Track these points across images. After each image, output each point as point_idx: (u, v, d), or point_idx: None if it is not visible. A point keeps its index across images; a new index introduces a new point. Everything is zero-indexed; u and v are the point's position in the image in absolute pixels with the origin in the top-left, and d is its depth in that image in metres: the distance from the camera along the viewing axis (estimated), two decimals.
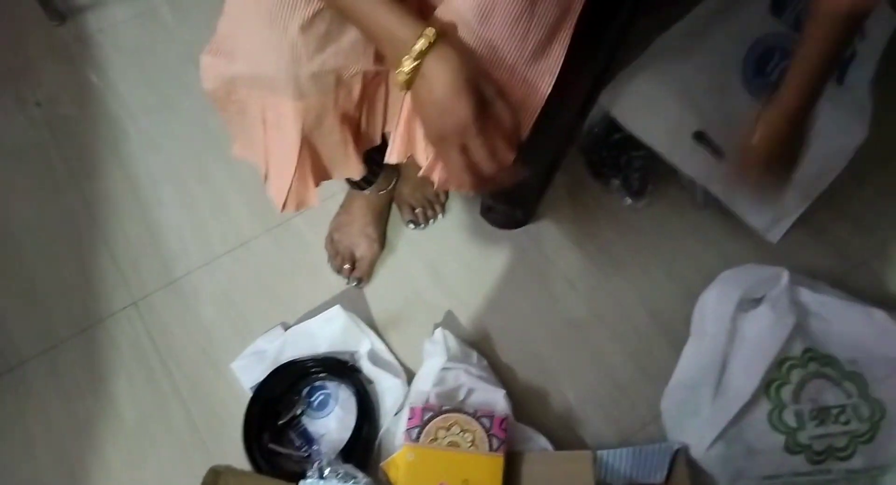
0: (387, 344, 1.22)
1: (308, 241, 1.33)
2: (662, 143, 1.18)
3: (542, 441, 1.09)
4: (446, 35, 0.70)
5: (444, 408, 1.06)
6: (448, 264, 1.30)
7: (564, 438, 1.14)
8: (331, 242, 1.31)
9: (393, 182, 1.31)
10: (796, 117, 0.92)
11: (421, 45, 0.68)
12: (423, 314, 1.25)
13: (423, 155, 0.86)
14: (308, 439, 1.13)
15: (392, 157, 0.88)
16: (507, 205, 1.30)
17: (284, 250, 1.32)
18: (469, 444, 1.03)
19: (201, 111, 1.44)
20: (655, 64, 1.16)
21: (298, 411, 1.15)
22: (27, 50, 1.55)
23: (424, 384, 1.11)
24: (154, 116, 1.47)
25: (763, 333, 1.05)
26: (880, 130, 1.21)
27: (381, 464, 1.07)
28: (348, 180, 1.23)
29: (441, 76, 0.68)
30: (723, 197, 1.21)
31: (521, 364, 1.21)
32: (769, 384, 1.03)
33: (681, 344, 1.15)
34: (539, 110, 0.82)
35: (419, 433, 1.04)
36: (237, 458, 1.10)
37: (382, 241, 1.31)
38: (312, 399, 1.16)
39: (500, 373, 1.19)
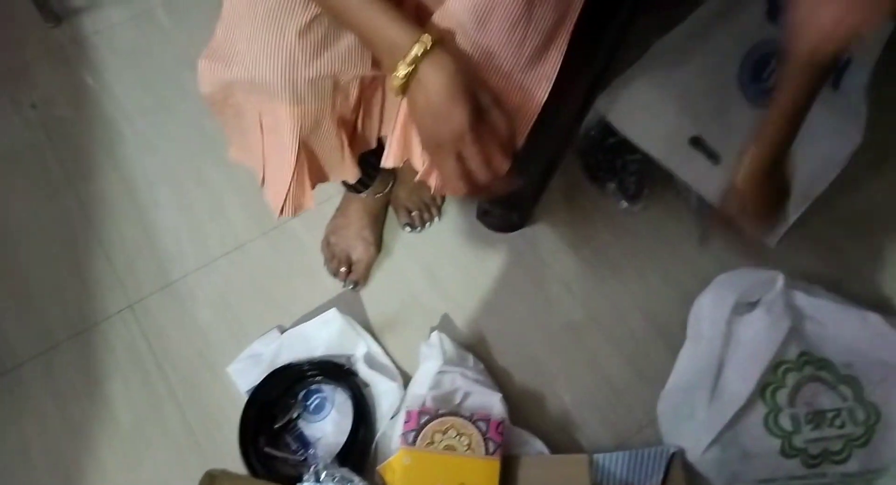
0: (383, 347, 1.21)
1: (304, 244, 1.33)
2: (659, 148, 1.18)
3: (539, 445, 1.10)
4: (443, 41, 0.70)
5: (440, 411, 1.06)
6: (444, 267, 1.30)
7: (561, 441, 1.14)
8: (327, 245, 1.31)
9: (389, 185, 1.31)
10: (771, 162, 0.91)
11: (417, 50, 0.68)
12: (419, 317, 1.25)
13: (420, 160, 0.86)
14: (304, 443, 1.13)
15: (389, 161, 0.88)
16: (504, 208, 1.30)
17: (281, 253, 1.32)
18: (465, 447, 1.03)
19: (197, 113, 1.44)
20: (652, 70, 1.16)
21: (294, 415, 1.15)
22: (23, 52, 1.54)
23: (421, 388, 1.11)
24: (150, 119, 1.46)
25: (758, 337, 1.06)
26: (875, 134, 1.22)
27: (378, 467, 1.07)
28: (345, 183, 1.23)
29: (437, 83, 0.68)
30: (717, 202, 1.21)
31: (517, 367, 1.21)
32: (765, 388, 1.04)
33: (677, 347, 1.15)
34: (535, 116, 0.83)
35: (415, 437, 1.04)
36: (233, 462, 1.10)
37: (379, 244, 1.31)
38: (308, 403, 1.16)
39: (496, 376, 1.19)
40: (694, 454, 1.04)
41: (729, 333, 1.07)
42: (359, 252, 1.28)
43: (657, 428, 1.14)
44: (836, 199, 1.25)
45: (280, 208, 0.94)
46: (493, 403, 1.10)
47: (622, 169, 1.33)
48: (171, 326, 1.26)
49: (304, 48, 0.79)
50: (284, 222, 1.33)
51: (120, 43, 1.55)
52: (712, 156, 1.17)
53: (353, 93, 0.86)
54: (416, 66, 0.68)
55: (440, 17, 0.75)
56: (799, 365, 1.05)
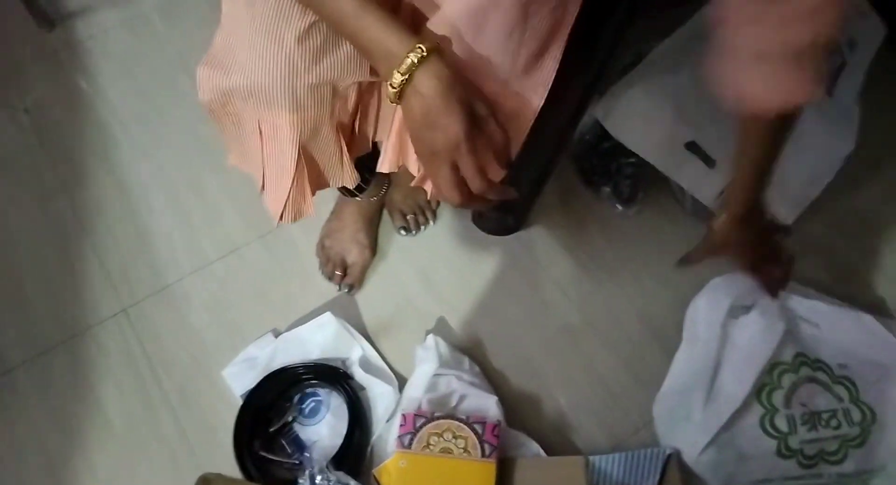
0: (378, 351, 1.21)
1: (299, 247, 1.32)
2: (655, 153, 1.19)
3: (535, 447, 1.09)
4: (438, 49, 0.69)
5: (436, 414, 1.06)
6: (439, 271, 1.30)
7: (557, 443, 1.14)
8: (322, 248, 1.30)
9: (384, 189, 1.31)
10: (746, 215, 0.94)
11: (412, 59, 0.67)
12: (414, 320, 1.25)
13: (416, 165, 0.86)
14: (299, 446, 1.13)
15: (384, 166, 0.88)
16: (499, 211, 1.30)
17: (276, 257, 1.32)
18: (461, 450, 1.03)
19: (192, 118, 1.44)
20: (649, 77, 1.17)
21: (290, 418, 1.14)
22: (16, 56, 1.54)
23: (416, 391, 1.11)
24: (144, 123, 1.46)
25: (754, 340, 1.06)
26: (868, 138, 1.23)
27: (373, 470, 1.07)
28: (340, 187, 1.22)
29: (432, 91, 0.67)
30: (712, 205, 1.21)
31: (513, 370, 1.21)
32: (761, 390, 1.04)
33: (672, 350, 1.15)
34: (532, 123, 0.83)
35: (411, 440, 1.04)
36: (228, 465, 1.09)
37: (374, 247, 1.31)
38: (304, 406, 1.16)
39: (492, 379, 1.19)
40: (690, 456, 1.04)
41: (724, 336, 1.07)
42: (354, 256, 1.28)
43: (653, 430, 1.14)
44: (830, 202, 1.26)
45: (280, 215, 0.94)
46: (488, 405, 1.10)
47: (617, 173, 1.34)
48: (166, 330, 1.25)
49: (304, 55, 0.79)
50: (279, 226, 1.33)
51: (114, 47, 1.55)
52: (708, 160, 1.18)
53: (352, 98, 0.86)
54: (411, 75, 0.68)
55: (435, 24, 0.75)
56: (794, 366, 1.05)
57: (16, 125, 1.45)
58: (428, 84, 0.68)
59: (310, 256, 1.31)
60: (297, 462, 1.10)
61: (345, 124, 0.90)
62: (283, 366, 1.16)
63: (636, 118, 1.17)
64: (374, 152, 0.96)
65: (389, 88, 0.70)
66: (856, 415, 1.03)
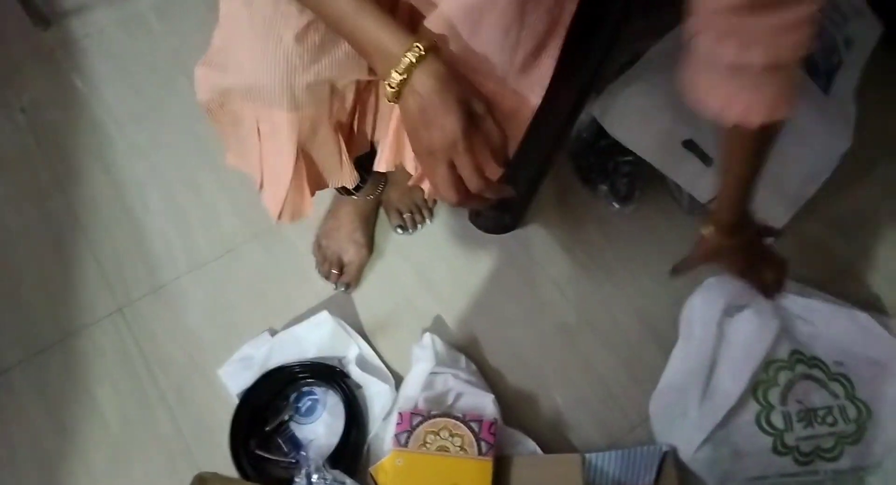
0: (375, 349, 1.21)
1: (296, 246, 1.32)
2: (653, 151, 1.19)
3: (531, 445, 1.09)
4: (436, 48, 0.69)
5: (432, 413, 1.06)
6: (436, 269, 1.30)
7: (553, 441, 1.14)
8: (318, 247, 1.30)
9: (380, 187, 1.31)
10: (733, 225, 0.96)
11: (409, 58, 0.67)
12: (411, 319, 1.25)
13: (413, 164, 0.86)
14: (296, 445, 1.13)
15: (381, 165, 0.88)
16: (496, 210, 1.30)
17: (272, 256, 1.32)
18: (458, 448, 1.03)
19: (188, 117, 1.43)
20: (646, 75, 1.17)
21: (286, 417, 1.14)
22: (11, 55, 1.53)
23: (413, 389, 1.11)
24: (140, 122, 1.46)
25: (749, 337, 1.06)
26: (864, 137, 1.23)
27: (370, 469, 1.07)
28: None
29: (429, 90, 0.68)
30: (709, 203, 1.22)
31: (509, 368, 1.21)
32: (756, 387, 1.04)
33: (669, 348, 1.15)
34: (529, 121, 0.83)
35: (408, 438, 1.04)
36: (224, 464, 1.09)
37: (370, 246, 1.31)
38: (300, 405, 1.16)
39: (488, 377, 1.19)
40: (686, 453, 1.04)
41: (720, 334, 1.07)
42: (350, 254, 1.28)
43: (649, 428, 1.14)
44: (826, 200, 1.26)
45: (278, 214, 0.94)
46: (485, 403, 1.10)
47: (614, 171, 1.34)
48: (162, 329, 1.25)
49: (302, 54, 0.79)
50: (275, 225, 1.32)
51: (110, 47, 1.55)
52: (705, 158, 1.18)
53: (350, 97, 0.87)
54: (409, 74, 0.68)
55: (432, 22, 0.75)
56: (791, 364, 1.06)
57: (12, 124, 1.45)
58: (425, 83, 0.68)
59: (306, 254, 1.31)
60: (293, 461, 1.10)
61: (343, 124, 0.90)
62: (279, 365, 1.16)
63: (633, 116, 1.17)
64: (371, 151, 0.96)
65: (387, 88, 0.70)
66: (851, 412, 1.03)
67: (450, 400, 1.11)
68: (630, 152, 1.20)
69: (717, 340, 1.06)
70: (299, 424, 1.14)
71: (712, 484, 1.04)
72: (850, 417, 1.03)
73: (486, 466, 1.01)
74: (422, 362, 1.13)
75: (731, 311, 1.10)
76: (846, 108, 1.23)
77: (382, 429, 1.12)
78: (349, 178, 0.96)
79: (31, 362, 1.22)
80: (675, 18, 1.19)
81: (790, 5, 0.65)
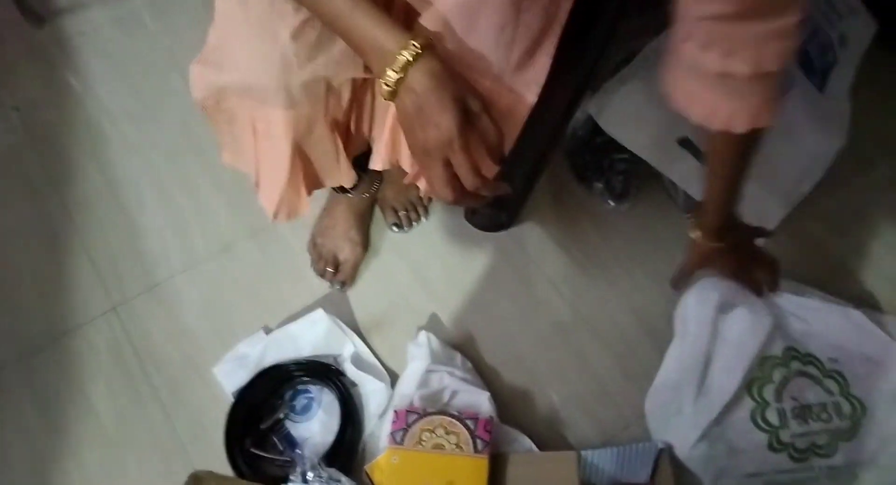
0: (370, 347, 1.21)
1: (291, 244, 1.32)
2: (648, 149, 1.19)
3: (527, 442, 1.09)
4: (431, 46, 0.69)
5: (428, 410, 1.06)
6: (432, 267, 1.30)
7: (549, 438, 1.14)
8: (314, 245, 1.30)
9: (376, 185, 1.31)
10: (720, 228, 0.98)
11: (405, 56, 0.67)
12: (406, 317, 1.25)
13: (409, 162, 0.86)
14: (291, 443, 1.12)
15: (377, 163, 0.88)
16: (492, 208, 1.30)
17: (267, 254, 1.31)
18: (454, 446, 1.02)
19: (183, 116, 1.43)
20: (642, 73, 1.17)
21: (281, 415, 1.14)
22: (4, 53, 1.53)
23: (408, 387, 1.11)
24: (135, 121, 1.45)
25: (742, 334, 1.06)
26: (858, 134, 1.23)
27: (366, 467, 1.06)
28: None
29: (425, 88, 0.68)
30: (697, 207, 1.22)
31: (505, 366, 1.21)
32: (751, 384, 1.04)
33: (664, 345, 1.15)
34: (525, 119, 0.83)
35: (403, 436, 1.04)
36: (219, 463, 1.09)
37: (366, 244, 1.31)
38: (295, 403, 1.15)
39: (484, 375, 1.19)
40: (682, 450, 1.04)
41: (714, 332, 1.07)
42: (346, 252, 1.28)
43: (644, 424, 1.14)
44: (820, 198, 1.26)
45: (274, 213, 0.94)
46: (481, 401, 1.10)
47: (609, 169, 1.34)
48: (156, 328, 1.24)
49: (298, 51, 0.79)
50: (270, 224, 1.32)
51: (104, 45, 1.54)
52: (700, 156, 1.18)
53: (346, 95, 0.86)
54: (404, 72, 0.68)
55: (428, 20, 0.75)
56: (785, 361, 1.06)
57: (5, 123, 1.44)
58: (421, 81, 0.68)
59: (301, 253, 1.31)
60: (288, 459, 1.10)
61: (340, 122, 0.90)
62: (274, 363, 1.16)
63: (629, 114, 1.17)
64: (367, 149, 0.95)
65: (383, 86, 0.70)
66: (846, 408, 1.03)
67: (445, 398, 1.11)
68: (626, 150, 1.20)
69: (712, 337, 1.07)
70: (295, 422, 1.14)
71: (708, 481, 1.04)
72: (844, 413, 1.03)
73: (482, 463, 1.01)
74: (417, 360, 1.13)
75: (724, 308, 1.10)
76: (841, 106, 1.24)
77: (378, 427, 1.12)
78: (347, 177, 0.96)
79: (25, 361, 1.21)
80: (670, 17, 1.20)
81: (775, 15, 0.66)
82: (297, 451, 1.11)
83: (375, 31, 0.69)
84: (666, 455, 1.05)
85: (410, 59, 0.67)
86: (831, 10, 1.25)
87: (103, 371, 1.21)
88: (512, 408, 1.17)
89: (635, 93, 1.16)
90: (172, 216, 1.35)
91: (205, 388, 1.19)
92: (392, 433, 1.04)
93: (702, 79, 0.74)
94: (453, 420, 1.04)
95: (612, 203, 1.34)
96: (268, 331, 1.23)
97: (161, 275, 1.29)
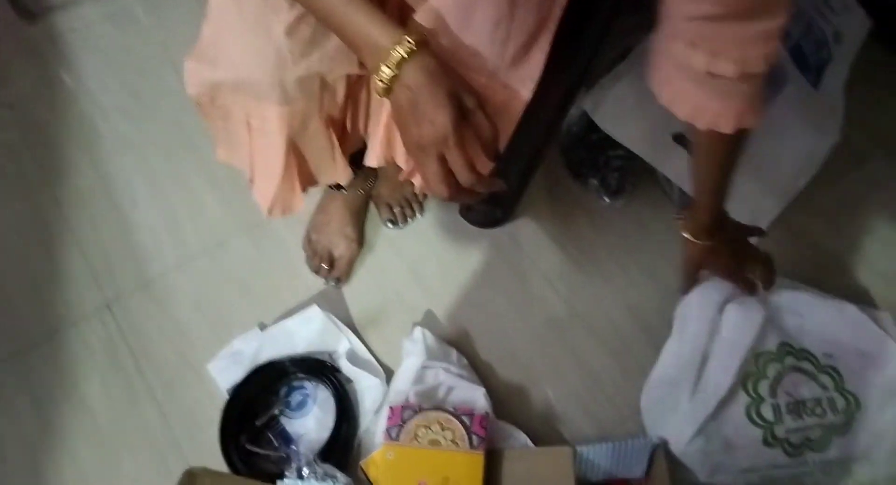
0: (365, 343, 1.21)
1: (285, 241, 1.32)
2: (643, 146, 1.19)
3: (523, 438, 1.09)
4: (426, 42, 0.69)
5: (423, 406, 1.06)
6: (427, 263, 1.30)
7: (544, 434, 1.14)
8: (308, 242, 1.30)
9: (370, 182, 1.30)
10: (710, 227, 0.99)
11: (400, 52, 0.67)
12: (401, 313, 1.25)
13: (404, 158, 0.86)
14: (286, 440, 1.12)
15: (372, 160, 0.88)
16: (487, 204, 1.30)
17: (261, 250, 1.31)
18: (449, 442, 1.02)
19: (176, 112, 1.42)
20: (636, 70, 1.17)
21: (276, 412, 1.14)
22: None
23: (404, 383, 1.11)
24: (128, 117, 1.44)
25: (735, 329, 1.06)
26: (852, 131, 1.24)
27: (361, 463, 1.06)
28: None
29: (420, 84, 0.67)
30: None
31: (500, 362, 1.21)
32: (746, 379, 1.04)
33: (659, 340, 1.15)
34: (520, 115, 0.83)
35: (399, 432, 1.04)
36: (214, 460, 1.08)
37: (361, 240, 1.31)
38: (290, 399, 1.15)
39: (479, 371, 1.19)
40: (677, 446, 1.04)
41: (714, 330, 1.08)
42: (340, 249, 1.27)
43: (640, 420, 1.14)
44: (814, 194, 1.26)
45: (269, 209, 0.93)
46: (476, 397, 1.10)
47: (605, 165, 1.34)
48: (150, 324, 1.24)
49: (292, 47, 0.79)
50: (264, 219, 1.32)
51: (97, 41, 1.53)
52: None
53: (341, 91, 0.86)
54: (398, 68, 0.68)
55: (422, 16, 0.75)
56: (780, 356, 1.06)
57: None
58: (415, 77, 0.68)
59: (296, 249, 1.30)
60: (283, 456, 1.10)
61: (335, 119, 0.90)
62: (269, 360, 1.15)
63: (624, 111, 1.17)
64: (362, 146, 0.95)
65: (378, 82, 0.70)
66: (840, 403, 1.04)
67: (441, 394, 1.11)
68: (621, 146, 1.20)
69: (711, 336, 1.07)
70: (290, 418, 1.14)
71: (703, 476, 1.05)
72: (838, 408, 1.03)
73: (478, 459, 1.01)
74: (412, 356, 1.13)
75: (724, 307, 1.10)
76: (835, 103, 1.24)
77: (373, 423, 1.12)
78: (343, 174, 0.96)
79: (18, 358, 1.20)
80: (657, 15, 1.20)
81: (761, 17, 0.66)
82: (293, 447, 1.11)
83: (369, 26, 0.68)
84: (661, 450, 1.05)
85: (405, 55, 0.67)
86: (826, 6, 1.25)
87: (97, 368, 1.20)
88: (507, 404, 1.17)
89: (630, 89, 1.16)
90: (166, 212, 1.34)
91: (199, 384, 1.19)
92: (387, 429, 1.04)
93: (689, 77, 0.74)
94: (449, 416, 1.04)
95: (607, 199, 1.34)
96: (263, 327, 1.22)
97: (155, 271, 1.29)
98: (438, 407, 1.06)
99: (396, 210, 1.32)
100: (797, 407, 1.03)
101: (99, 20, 1.56)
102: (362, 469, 1.05)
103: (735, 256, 1.05)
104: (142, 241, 1.31)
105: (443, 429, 1.03)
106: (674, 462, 1.06)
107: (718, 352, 1.06)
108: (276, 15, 0.78)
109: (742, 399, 1.03)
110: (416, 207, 1.33)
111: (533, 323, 1.25)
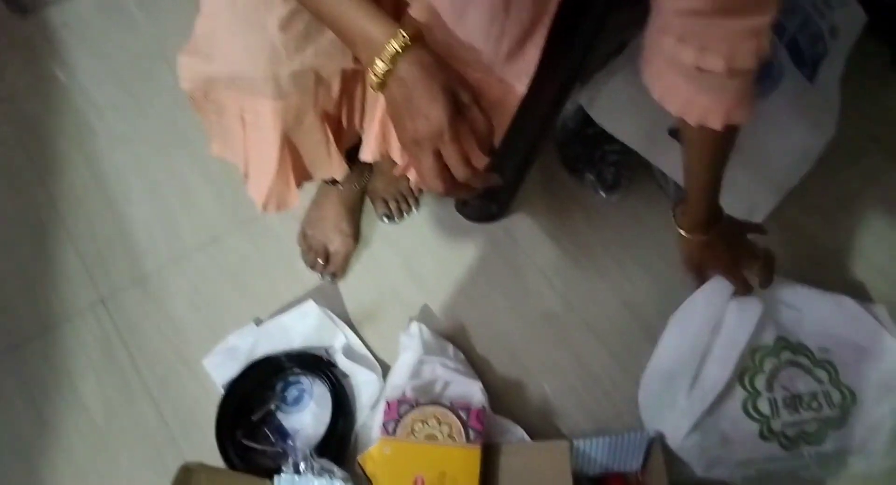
0: (362, 338, 1.21)
1: (280, 235, 1.31)
2: (639, 140, 1.19)
3: (519, 432, 1.09)
4: (421, 37, 0.69)
5: (420, 401, 1.06)
6: (423, 258, 1.30)
7: (541, 428, 1.14)
8: (304, 237, 1.29)
9: (366, 176, 1.30)
10: (705, 222, 0.99)
11: (394, 46, 0.67)
12: (398, 308, 1.25)
13: (399, 153, 0.85)
14: (283, 435, 1.12)
15: (367, 154, 0.88)
16: (482, 199, 1.30)
17: (257, 246, 1.31)
18: (446, 436, 1.02)
19: (170, 107, 1.42)
20: (632, 64, 1.17)
21: (273, 407, 1.13)
22: None
23: (400, 378, 1.11)
24: (121, 112, 1.44)
25: (733, 324, 1.06)
26: (848, 125, 1.24)
27: (358, 458, 1.06)
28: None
29: (414, 79, 0.67)
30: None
31: (497, 356, 1.21)
32: (743, 374, 1.04)
33: (655, 335, 1.15)
34: (515, 110, 0.83)
35: (395, 427, 1.03)
36: (210, 455, 1.08)
37: (356, 235, 1.30)
38: (287, 394, 1.15)
39: (476, 365, 1.19)
40: (674, 440, 1.04)
41: (717, 328, 1.07)
42: (336, 244, 1.27)
43: (636, 414, 1.14)
44: (809, 188, 1.26)
45: (263, 204, 0.93)
46: (473, 391, 1.10)
47: (600, 160, 1.34)
48: (145, 320, 1.24)
49: (286, 42, 0.78)
50: (259, 215, 1.31)
51: (90, 35, 1.53)
52: None
53: (335, 86, 0.86)
54: (393, 63, 0.68)
55: (417, 11, 0.74)
56: (776, 351, 1.06)
57: None
58: (410, 71, 0.68)
59: (291, 244, 1.30)
60: (280, 451, 1.10)
61: (330, 114, 0.90)
62: (265, 355, 1.15)
63: (619, 105, 1.17)
64: (358, 141, 0.95)
65: (372, 77, 0.69)
66: (836, 397, 1.04)
67: (437, 388, 1.11)
68: (616, 141, 1.20)
69: (713, 332, 1.07)
70: (286, 413, 1.14)
71: (700, 470, 1.05)
72: (834, 402, 1.04)
73: (475, 453, 1.01)
74: (409, 351, 1.13)
75: (728, 304, 1.10)
76: (831, 97, 1.24)
77: (370, 418, 1.12)
78: (338, 169, 0.96)
79: (12, 355, 1.20)
80: (648, 9, 1.20)
81: (750, 12, 0.66)
82: (289, 442, 1.11)
83: (364, 21, 0.68)
84: (658, 444, 1.05)
85: (399, 49, 0.67)
86: (822, 1, 1.25)
87: (92, 364, 1.20)
88: (504, 398, 1.17)
89: (625, 84, 1.16)
90: (160, 208, 1.34)
91: (195, 380, 1.18)
92: (384, 424, 1.04)
93: (679, 72, 0.74)
94: (445, 410, 1.04)
95: (602, 194, 1.34)
96: (258, 322, 1.22)
97: (149, 267, 1.28)
98: (435, 402, 1.06)
99: (392, 205, 1.31)
100: (793, 401, 1.04)
101: (92, 15, 1.55)
102: (359, 464, 1.05)
103: (730, 252, 1.05)
104: (136, 236, 1.31)
105: (439, 424, 1.03)
106: (670, 456, 1.06)
107: (717, 347, 1.06)
108: (270, 10, 0.77)
109: (738, 394, 1.03)
110: (411, 201, 1.33)
111: (529, 318, 1.25)
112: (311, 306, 1.21)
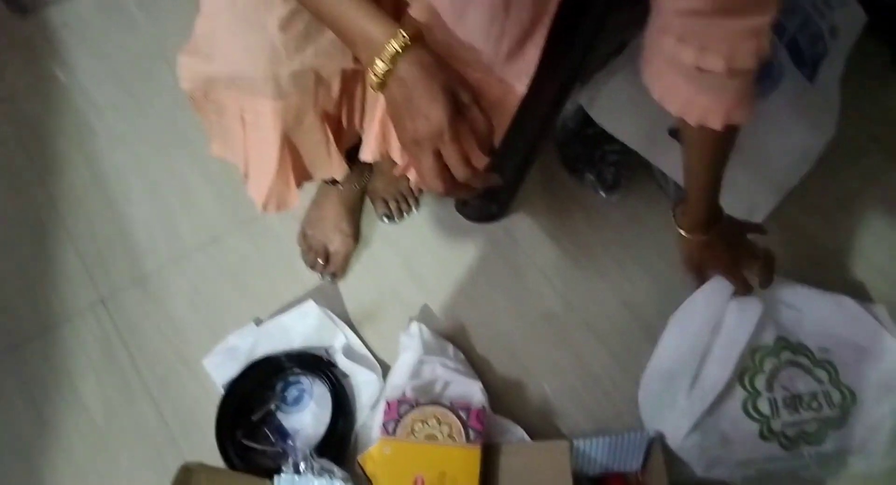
0: (362, 338, 1.21)
1: (280, 235, 1.31)
2: (639, 140, 1.19)
3: (519, 432, 1.09)
4: (420, 37, 0.69)
5: (420, 401, 1.06)
6: (423, 258, 1.30)
7: (541, 428, 1.14)
8: (304, 237, 1.29)
9: (366, 176, 1.30)
10: (705, 222, 1.00)
11: (394, 46, 0.67)
12: (398, 308, 1.25)
13: (399, 153, 0.85)
14: (283, 435, 1.12)
15: (367, 154, 0.88)
16: (482, 199, 1.30)
17: (257, 246, 1.31)
18: (446, 436, 1.02)
19: (170, 107, 1.42)
20: (632, 64, 1.17)
21: (272, 407, 1.13)
22: None
23: (400, 378, 1.11)
24: (121, 112, 1.44)
25: (733, 324, 1.06)
26: (848, 125, 1.24)
27: (358, 458, 1.06)
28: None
29: (415, 79, 0.67)
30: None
31: (497, 356, 1.21)
32: (743, 374, 1.04)
33: (655, 335, 1.15)
34: (515, 110, 0.83)
35: (395, 427, 1.03)
36: (210, 455, 1.08)
37: (356, 235, 1.30)
38: (287, 394, 1.15)
39: (476, 365, 1.19)
40: (674, 441, 1.04)
41: (717, 328, 1.07)
42: (336, 244, 1.27)
43: (636, 414, 1.14)
44: (810, 188, 1.26)
45: (263, 204, 0.93)
46: (473, 391, 1.10)
47: (600, 160, 1.34)
48: (145, 320, 1.24)
49: (286, 42, 0.78)
50: (259, 215, 1.31)
51: (90, 35, 1.53)
52: None
53: (335, 86, 0.86)
54: (393, 63, 0.68)
55: (417, 11, 0.74)
56: (776, 351, 1.06)
57: None
58: (410, 71, 0.68)
59: (291, 244, 1.30)
60: (280, 451, 1.10)
61: (330, 114, 0.90)
62: (265, 355, 1.15)
63: (619, 105, 1.17)
64: (358, 141, 0.95)
65: (372, 77, 0.69)
66: (836, 397, 1.04)
67: (437, 388, 1.11)
68: (617, 141, 1.20)
69: (713, 333, 1.07)
70: (286, 413, 1.14)
71: (699, 470, 1.05)
72: (834, 402, 1.04)
73: (475, 453, 1.01)
74: (409, 351, 1.13)
75: (728, 304, 1.10)
76: (831, 97, 1.24)
77: (370, 418, 1.12)
78: (338, 169, 0.96)
79: (12, 355, 1.20)
80: (648, 9, 1.20)
81: (750, 12, 0.66)
82: (289, 442, 1.11)
83: (364, 21, 0.68)
84: (658, 444, 1.05)
85: (399, 49, 0.67)
86: (822, 1, 1.25)
87: (92, 364, 1.20)
88: (504, 398, 1.17)
89: (625, 84, 1.16)
90: (160, 208, 1.34)
91: (195, 380, 1.19)
92: (384, 424, 1.04)
93: (679, 72, 0.74)
94: (445, 410, 1.04)
95: (603, 194, 1.34)
96: (258, 322, 1.22)
97: (149, 267, 1.28)
98: (435, 402, 1.06)
99: (392, 205, 1.31)
100: (793, 401, 1.04)
101: (92, 15, 1.55)
102: (359, 464, 1.05)
103: (730, 252, 1.05)
104: (136, 236, 1.31)
105: (439, 423, 1.03)
106: (670, 456, 1.06)
107: (717, 347, 1.06)
108: (270, 9, 0.77)
109: (738, 394, 1.03)
110: (411, 201, 1.33)
111: (529, 318, 1.25)
112: (311, 306, 1.21)
